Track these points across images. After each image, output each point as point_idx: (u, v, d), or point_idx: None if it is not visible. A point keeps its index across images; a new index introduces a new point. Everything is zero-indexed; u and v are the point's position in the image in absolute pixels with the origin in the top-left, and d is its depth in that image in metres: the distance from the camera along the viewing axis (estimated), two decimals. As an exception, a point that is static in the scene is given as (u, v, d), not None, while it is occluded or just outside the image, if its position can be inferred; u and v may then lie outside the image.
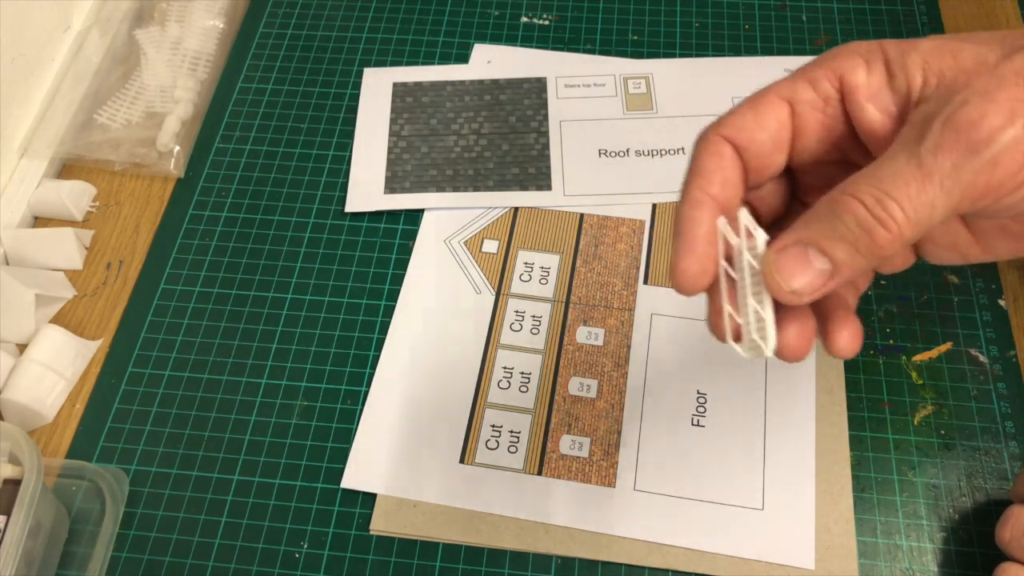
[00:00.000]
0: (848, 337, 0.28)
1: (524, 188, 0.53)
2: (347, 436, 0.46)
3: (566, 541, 0.42)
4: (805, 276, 0.26)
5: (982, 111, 0.24)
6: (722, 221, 0.28)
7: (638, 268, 0.50)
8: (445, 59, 0.60)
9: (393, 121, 0.57)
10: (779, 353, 0.27)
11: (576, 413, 0.46)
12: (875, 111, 0.27)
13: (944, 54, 0.26)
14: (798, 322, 0.27)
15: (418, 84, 0.58)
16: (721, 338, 0.28)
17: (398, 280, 0.51)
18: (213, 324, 0.50)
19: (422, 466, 0.45)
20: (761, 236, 0.27)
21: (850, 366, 0.47)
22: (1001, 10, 0.60)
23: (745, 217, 0.27)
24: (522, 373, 0.47)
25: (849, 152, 0.29)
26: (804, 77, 0.28)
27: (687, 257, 0.27)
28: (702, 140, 0.29)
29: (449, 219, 0.53)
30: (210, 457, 0.46)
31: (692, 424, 0.45)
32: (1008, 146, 0.24)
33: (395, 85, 0.58)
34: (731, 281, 0.28)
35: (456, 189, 0.53)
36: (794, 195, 0.31)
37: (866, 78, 0.27)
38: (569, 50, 0.60)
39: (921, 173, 0.24)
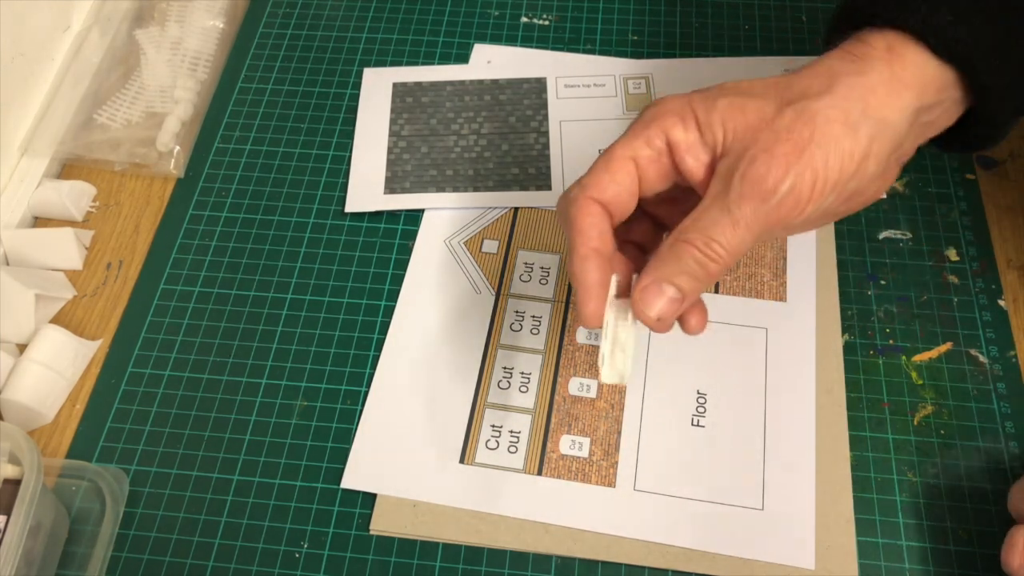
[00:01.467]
0: (696, 320, 0.37)
1: (524, 188, 0.53)
2: (347, 436, 0.46)
3: (566, 541, 0.43)
4: (660, 302, 0.34)
5: (767, 167, 0.33)
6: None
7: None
8: (445, 59, 0.60)
9: (393, 121, 0.57)
10: (686, 330, 0.37)
11: (576, 413, 0.46)
12: (693, 161, 0.36)
13: (735, 112, 0.35)
14: (697, 311, 0.37)
15: (418, 84, 0.58)
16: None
17: (398, 280, 0.51)
18: (213, 324, 0.50)
19: (422, 466, 0.45)
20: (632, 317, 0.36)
21: (850, 366, 0.47)
22: (1001, 10, 0.60)
23: (612, 284, 0.36)
24: (522, 373, 0.47)
25: (680, 185, 0.37)
26: (639, 137, 0.36)
27: (589, 304, 0.35)
28: (574, 205, 0.36)
29: (449, 219, 0.53)
30: (210, 457, 0.46)
31: (692, 424, 0.45)
32: (787, 193, 0.33)
33: (395, 85, 0.58)
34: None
35: (456, 189, 0.53)
36: (654, 222, 0.40)
37: (684, 135, 0.35)
38: (569, 50, 0.60)
39: (731, 220, 0.34)
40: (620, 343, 0.35)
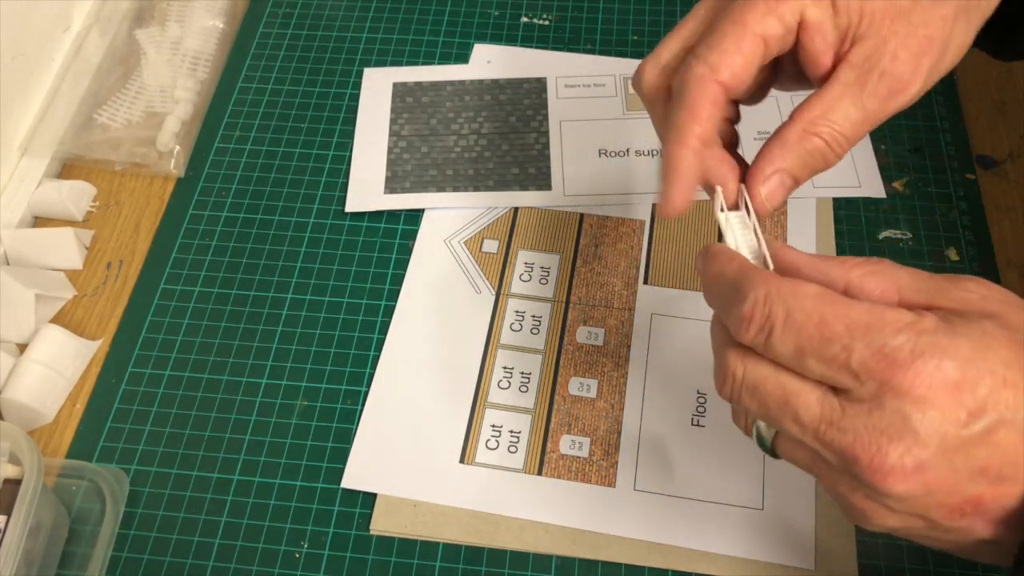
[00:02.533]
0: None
1: (524, 188, 0.53)
2: (347, 436, 0.46)
3: (566, 541, 0.42)
4: (781, 195, 0.34)
5: (907, 66, 0.32)
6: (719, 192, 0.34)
7: (638, 268, 0.50)
8: (445, 59, 0.60)
9: (393, 121, 0.57)
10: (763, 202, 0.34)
11: (576, 413, 0.46)
12: (821, 43, 0.33)
13: None
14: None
15: (418, 84, 0.58)
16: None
17: (398, 280, 0.51)
18: (213, 324, 0.50)
19: (422, 466, 0.45)
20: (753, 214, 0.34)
21: (850, 366, 0.47)
22: (1001, 10, 0.60)
23: (743, 192, 0.34)
24: (522, 373, 0.47)
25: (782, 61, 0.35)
26: (772, 12, 0.33)
27: (677, 193, 0.34)
28: (696, 83, 0.33)
29: (449, 219, 0.53)
30: (210, 457, 0.46)
31: (692, 424, 0.45)
32: (917, 92, 0.33)
33: (395, 85, 0.58)
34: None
35: (456, 189, 0.53)
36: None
37: (819, 15, 0.33)
38: (569, 50, 0.60)
39: (863, 115, 0.33)
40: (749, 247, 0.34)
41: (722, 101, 0.33)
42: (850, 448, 0.27)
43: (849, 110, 0.33)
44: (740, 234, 0.34)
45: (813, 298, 0.28)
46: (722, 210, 0.34)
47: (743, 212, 0.34)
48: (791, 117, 0.33)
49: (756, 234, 0.33)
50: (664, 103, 0.36)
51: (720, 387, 0.31)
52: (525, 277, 0.50)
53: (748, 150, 0.38)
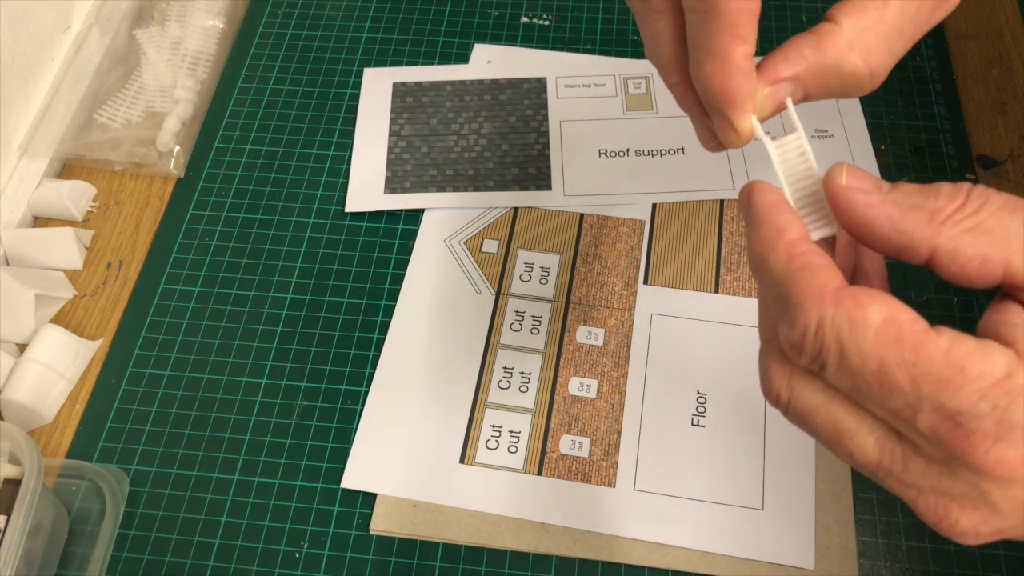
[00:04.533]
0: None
1: (524, 188, 0.53)
2: (347, 436, 0.46)
3: (566, 541, 0.42)
4: (773, 107, 0.28)
5: None
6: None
7: (638, 268, 0.50)
8: (445, 59, 0.60)
9: (393, 121, 0.57)
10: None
11: (576, 413, 0.46)
12: None
13: None
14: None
15: (418, 84, 0.58)
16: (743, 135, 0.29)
17: (398, 280, 0.51)
18: (213, 324, 0.50)
19: (422, 466, 0.45)
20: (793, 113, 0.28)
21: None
22: (1001, 10, 0.60)
23: (791, 109, 0.28)
24: (522, 373, 0.47)
25: None
26: None
27: (743, 120, 0.28)
28: None
29: (449, 219, 0.53)
30: (210, 457, 0.46)
31: (692, 424, 0.45)
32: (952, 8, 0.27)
33: (395, 85, 0.58)
34: None
35: (456, 189, 0.53)
36: None
37: None
38: (569, 50, 0.60)
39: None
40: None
41: (757, 10, 0.27)
42: (913, 503, 0.24)
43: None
44: (792, 165, 0.27)
45: (874, 336, 0.22)
46: (771, 136, 0.28)
47: (796, 134, 0.27)
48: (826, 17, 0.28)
49: (810, 163, 0.27)
50: (673, 17, 0.29)
51: (765, 396, 0.26)
52: (525, 277, 0.50)
53: (752, 153, 0.38)
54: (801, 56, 0.27)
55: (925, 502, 0.23)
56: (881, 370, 0.22)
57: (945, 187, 0.24)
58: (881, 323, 0.22)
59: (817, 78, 0.27)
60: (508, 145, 0.55)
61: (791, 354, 0.24)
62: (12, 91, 0.55)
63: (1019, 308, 0.23)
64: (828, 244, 0.27)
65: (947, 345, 0.22)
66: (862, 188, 0.24)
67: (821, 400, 0.24)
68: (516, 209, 0.53)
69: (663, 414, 0.45)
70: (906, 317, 0.22)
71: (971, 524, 0.22)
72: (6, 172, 0.54)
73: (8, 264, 0.52)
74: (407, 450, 0.45)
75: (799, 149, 0.27)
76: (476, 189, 0.53)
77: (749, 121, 0.28)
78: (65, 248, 0.52)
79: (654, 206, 0.52)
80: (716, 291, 0.49)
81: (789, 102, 0.28)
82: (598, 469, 0.44)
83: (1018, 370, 0.21)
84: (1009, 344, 0.22)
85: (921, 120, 0.55)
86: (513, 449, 0.45)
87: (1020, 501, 0.22)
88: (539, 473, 0.44)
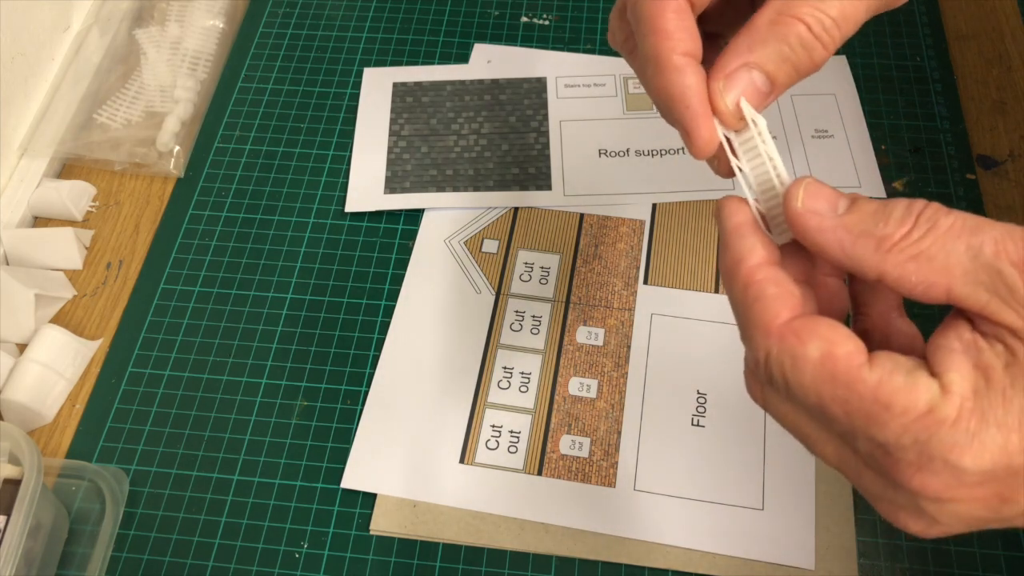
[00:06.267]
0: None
1: (524, 188, 0.53)
2: (347, 436, 0.46)
3: (566, 541, 0.42)
4: (754, 98, 0.27)
5: None
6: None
7: (638, 268, 0.50)
8: (445, 59, 0.60)
9: (393, 121, 0.57)
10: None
11: (576, 413, 0.46)
12: None
13: None
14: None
15: (418, 84, 0.58)
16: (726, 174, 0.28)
17: (398, 280, 0.51)
18: (213, 324, 0.50)
19: (422, 466, 0.45)
20: (761, 121, 0.27)
21: (850, 366, 0.47)
22: (1001, 10, 0.60)
23: (747, 108, 0.27)
24: (522, 373, 0.47)
25: None
26: None
27: (701, 126, 0.27)
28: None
29: (449, 219, 0.53)
30: (210, 457, 0.46)
31: (692, 424, 0.45)
32: None
33: (395, 85, 0.58)
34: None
35: (456, 189, 0.53)
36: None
37: None
38: (569, 50, 0.60)
39: None
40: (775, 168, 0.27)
41: (684, 7, 0.27)
42: (872, 504, 0.25)
43: None
44: (750, 167, 0.27)
45: (812, 371, 0.23)
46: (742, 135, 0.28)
47: (752, 130, 0.27)
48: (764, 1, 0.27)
49: (770, 161, 0.27)
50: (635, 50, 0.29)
51: (749, 393, 0.28)
52: (525, 277, 0.50)
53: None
54: (751, 43, 0.27)
55: (879, 505, 0.25)
56: (820, 403, 0.24)
57: (897, 209, 0.24)
58: (818, 359, 0.23)
59: (770, 56, 0.27)
60: (508, 145, 0.55)
61: (755, 372, 0.26)
62: (12, 91, 0.55)
63: (964, 327, 0.24)
64: None
65: (876, 382, 0.23)
66: (816, 211, 0.25)
67: (787, 409, 0.26)
68: (516, 209, 0.53)
69: (663, 414, 0.45)
70: (843, 352, 0.23)
71: (918, 528, 0.24)
72: (6, 172, 0.54)
73: (8, 264, 0.52)
74: (407, 450, 0.45)
75: (767, 155, 0.27)
76: (476, 189, 0.53)
77: (706, 127, 0.27)
78: (65, 248, 0.52)
79: (654, 206, 0.52)
80: (716, 291, 0.49)
81: (743, 101, 0.27)
82: (598, 469, 0.44)
83: (939, 404, 0.22)
84: (938, 374, 0.23)
85: (921, 120, 0.55)
86: (513, 449, 0.45)
87: (955, 514, 0.23)
88: (539, 473, 0.44)
